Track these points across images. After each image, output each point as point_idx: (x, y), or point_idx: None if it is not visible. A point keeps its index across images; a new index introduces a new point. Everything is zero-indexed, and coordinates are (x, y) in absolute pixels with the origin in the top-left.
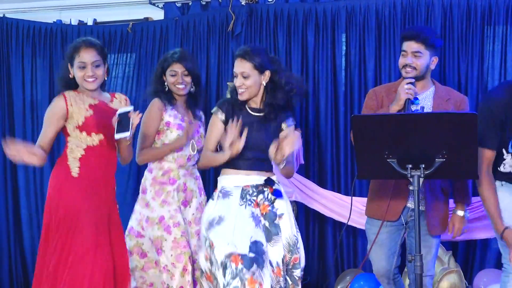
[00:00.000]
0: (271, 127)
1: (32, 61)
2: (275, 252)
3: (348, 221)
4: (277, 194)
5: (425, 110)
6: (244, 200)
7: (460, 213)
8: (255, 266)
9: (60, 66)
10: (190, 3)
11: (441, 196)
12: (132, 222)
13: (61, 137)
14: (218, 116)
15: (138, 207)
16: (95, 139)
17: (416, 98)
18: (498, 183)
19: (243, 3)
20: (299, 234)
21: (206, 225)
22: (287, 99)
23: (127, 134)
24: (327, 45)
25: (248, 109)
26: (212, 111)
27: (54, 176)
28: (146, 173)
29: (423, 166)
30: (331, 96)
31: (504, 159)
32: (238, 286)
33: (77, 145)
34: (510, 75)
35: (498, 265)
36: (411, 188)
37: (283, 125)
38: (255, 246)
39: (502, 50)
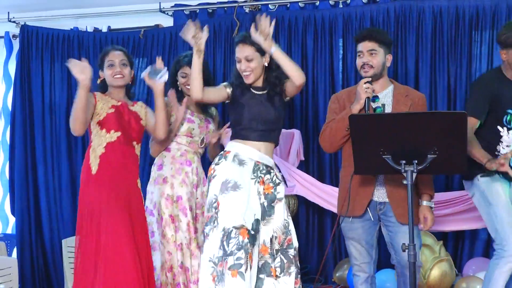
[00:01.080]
0: (276, 101)
1: (50, 66)
2: (264, 231)
3: (346, 212)
4: (282, 179)
5: (386, 107)
6: (255, 175)
7: (428, 203)
8: (255, 243)
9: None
10: (197, 11)
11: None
12: (147, 202)
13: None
14: (226, 87)
15: (149, 186)
16: (113, 136)
17: (376, 96)
18: (497, 176)
19: (247, 11)
20: (289, 218)
21: (219, 185)
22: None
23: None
24: (325, 50)
25: (252, 89)
26: (223, 84)
27: (81, 176)
28: (163, 152)
29: (416, 161)
30: (329, 97)
31: (501, 136)
32: (241, 257)
33: (99, 144)
34: None
35: (486, 254)
36: (404, 182)
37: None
38: (256, 224)
39: (489, 54)
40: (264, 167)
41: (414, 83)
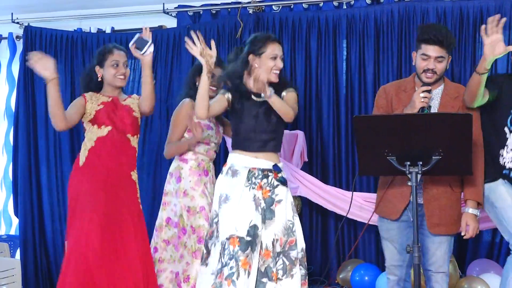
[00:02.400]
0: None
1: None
2: (265, 236)
3: (347, 213)
4: (282, 180)
5: (431, 110)
6: (250, 182)
7: (473, 211)
8: (249, 249)
9: (85, 71)
10: (201, 12)
11: (452, 192)
12: (168, 213)
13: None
14: (224, 94)
15: (170, 198)
16: (104, 130)
17: (425, 108)
18: (501, 180)
19: (250, 11)
20: (296, 219)
21: (217, 200)
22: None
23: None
24: (329, 51)
25: (253, 96)
26: (221, 92)
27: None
28: (179, 163)
29: (421, 163)
30: (333, 98)
31: (507, 139)
32: (233, 266)
33: (90, 138)
34: None
35: (490, 256)
36: (409, 183)
37: (283, 94)
38: (253, 230)
39: None
40: (260, 172)
41: None
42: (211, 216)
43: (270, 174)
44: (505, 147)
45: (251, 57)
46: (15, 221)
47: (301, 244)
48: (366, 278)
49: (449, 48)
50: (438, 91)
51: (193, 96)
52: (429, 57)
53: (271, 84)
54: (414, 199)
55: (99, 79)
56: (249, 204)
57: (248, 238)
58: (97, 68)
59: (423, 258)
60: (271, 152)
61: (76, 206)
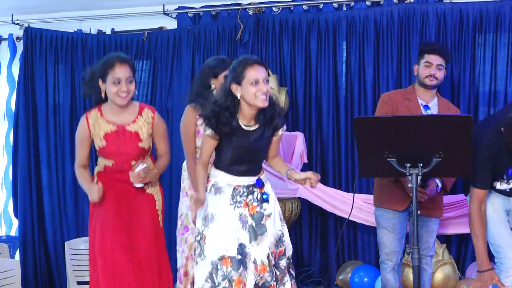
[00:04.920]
0: (265, 137)
1: (54, 67)
2: (259, 251)
3: (349, 216)
4: (265, 197)
5: None
6: (234, 200)
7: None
8: (241, 267)
9: (90, 80)
10: (201, 13)
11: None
12: (187, 222)
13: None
14: (211, 137)
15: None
16: (108, 162)
17: (427, 107)
18: (494, 192)
19: (250, 13)
20: (284, 227)
21: (201, 219)
22: (277, 110)
23: (142, 185)
24: (328, 52)
25: (242, 125)
26: (207, 133)
27: None
28: (184, 164)
29: (421, 164)
30: (332, 100)
31: (501, 180)
32: (226, 286)
33: (98, 163)
34: (500, 81)
35: (489, 257)
36: (409, 185)
37: (279, 132)
38: (241, 249)
39: (493, 57)
40: (245, 189)
41: None
42: (195, 236)
43: (255, 189)
44: (499, 183)
45: (233, 86)
46: (15, 222)
47: (289, 251)
48: (366, 279)
49: (447, 60)
50: (435, 101)
51: (202, 98)
52: (432, 64)
53: (264, 110)
54: (415, 200)
55: (103, 95)
56: (236, 223)
57: (239, 257)
58: (100, 81)
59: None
60: (254, 175)
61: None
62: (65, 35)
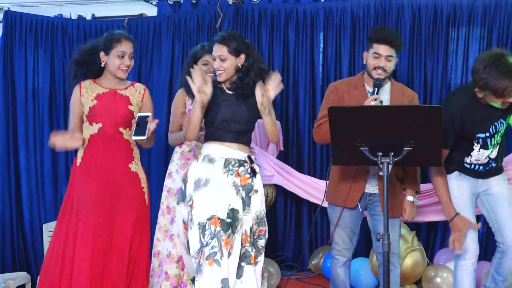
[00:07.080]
0: (250, 102)
1: (34, 52)
2: (245, 221)
3: (322, 202)
4: (254, 171)
5: (383, 103)
6: (227, 169)
7: (410, 198)
8: (230, 230)
9: (86, 52)
10: (181, 1)
11: (396, 182)
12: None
13: None
14: None
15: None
16: (95, 127)
17: (380, 101)
18: (457, 173)
19: (230, 2)
20: (265, 211)
21: (192, 184)
22: (261, 77)
23: (143, 138)
24: (306, 43)
25: (225, 88)
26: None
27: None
28: (176, 147)
29: (392, 154)
30: (309, 89)
31: (473, 149)
32: (215, 245)
33: (86, 135)
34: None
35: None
36: (380, 173)
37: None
38: (232, 213)
39: (465, 50)
40: (237, 161)
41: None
42: (187, 198)
43: (245, 163)
44: (469, 156)
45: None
46: None
47: (267, 234)
48: None
49: (397, 49)
50: (387, 87)
51: (186, 85)
52: (380, 55)
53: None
54: (385, 189)
55: (103, 65)
56: (229, 189)
57: (229, 220)
58: (102, 53)
59: (376, 243)
60: (244, 144)
61: (71, 205)
62: (45, 19)
